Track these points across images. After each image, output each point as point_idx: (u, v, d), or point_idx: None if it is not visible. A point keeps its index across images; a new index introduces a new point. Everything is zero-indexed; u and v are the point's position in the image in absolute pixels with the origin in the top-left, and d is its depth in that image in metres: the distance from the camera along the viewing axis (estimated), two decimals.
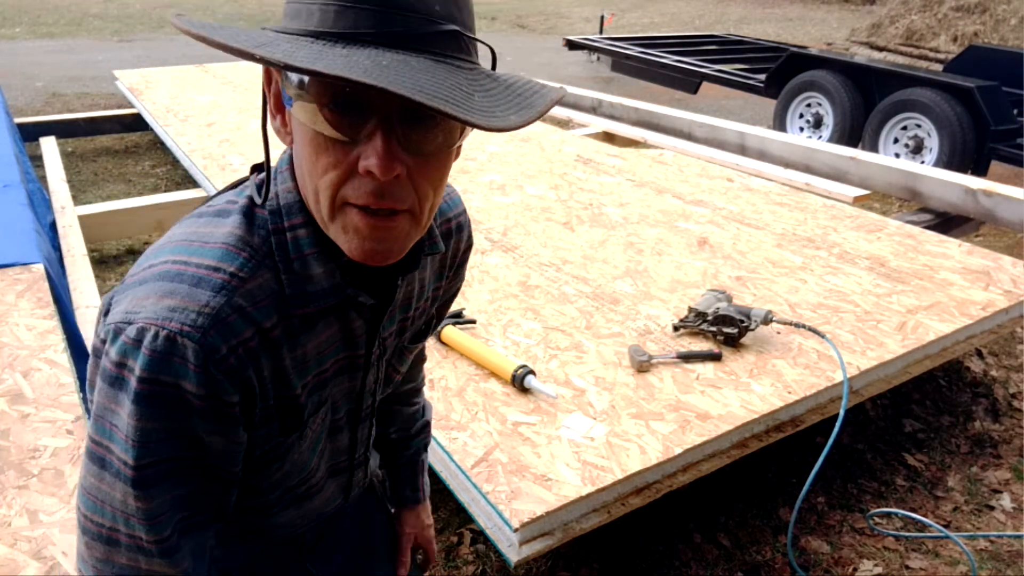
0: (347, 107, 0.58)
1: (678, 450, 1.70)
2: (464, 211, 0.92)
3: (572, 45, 8.49)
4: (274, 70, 0.64)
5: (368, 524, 1.11)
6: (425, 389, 1.19)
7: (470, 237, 0.94)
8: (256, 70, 6.81)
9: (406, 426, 1.12)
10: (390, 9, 0.56)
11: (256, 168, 0.74)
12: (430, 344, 1.90)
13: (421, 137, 0.60)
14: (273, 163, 0.72)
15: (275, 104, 0.67)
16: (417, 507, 1.16)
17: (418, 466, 1.14)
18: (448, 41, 0.58)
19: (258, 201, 0.69)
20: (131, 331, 0.63)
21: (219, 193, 0.75)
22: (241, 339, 0.66)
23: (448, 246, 0.88)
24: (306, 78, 0.58)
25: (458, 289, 1.00)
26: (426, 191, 0.64)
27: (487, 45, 0.65)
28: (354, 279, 0.73)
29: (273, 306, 0.68)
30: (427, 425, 1.15)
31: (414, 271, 0.77)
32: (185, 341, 0.62)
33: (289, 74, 0.59)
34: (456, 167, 0.80)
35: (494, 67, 0.65)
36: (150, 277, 0.65)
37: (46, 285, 1.95)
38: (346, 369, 0.79)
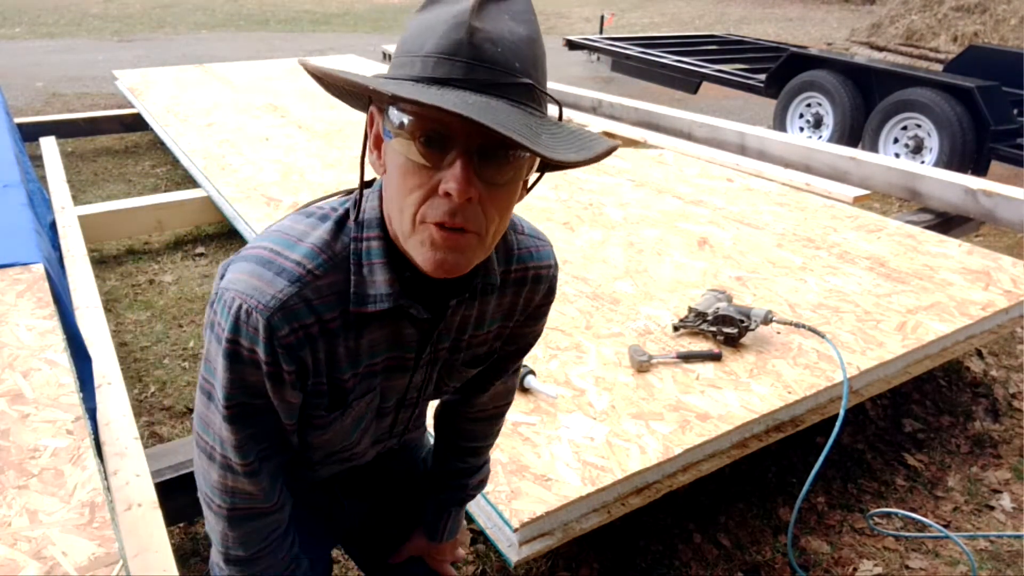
0: (435, 140, 0.70)
1: (678, 450, 1.70)
2: (550, 267, 0.99)
3: (572, 45, 8.49)
4: (376, 114, 0.78)
5: (396, 468, 1.22)
6: (491, 458, 1.24)
7: (551, 292, 1.02)
8: (256, 72, 6.80)
9: (446, 477, 1.19)
10: (478, 62, 0.68)
11: (365, 184, 0.87)
12: None
13: (494, 170, 0.71)
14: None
15: (375, 141, 0.80)
16: (430, 540, 1.22)
17: (444, 513, 1.20)
18: (523, 91, 0.70)
19: (352, 216, 0.84)
20: (227, 296, 0.80)
21: (337, 195, 0.91)
22: (302, 324, 0.80)
23: (521, 293, 0.97)
24: (406, 119, 0.70)
25: (529, 342, 1.07)
26: (492, 216, 0.74)
27: (556, 101, 0.78)
28: (412, 294, 0.83)
29: (337, 302, 0.82)
30: (466, 487, 1.19)
31: (465, 295, 0.87)
32: (257, 316, 0.79)
33: (390, 114, 0.72)
34: None
35: (560, 118, 0.77)
36: (252, 256, 0.82)
37: (46, 285, 1.94)
38: (396, 368, 0.91)
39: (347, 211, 0.84)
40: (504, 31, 0.69)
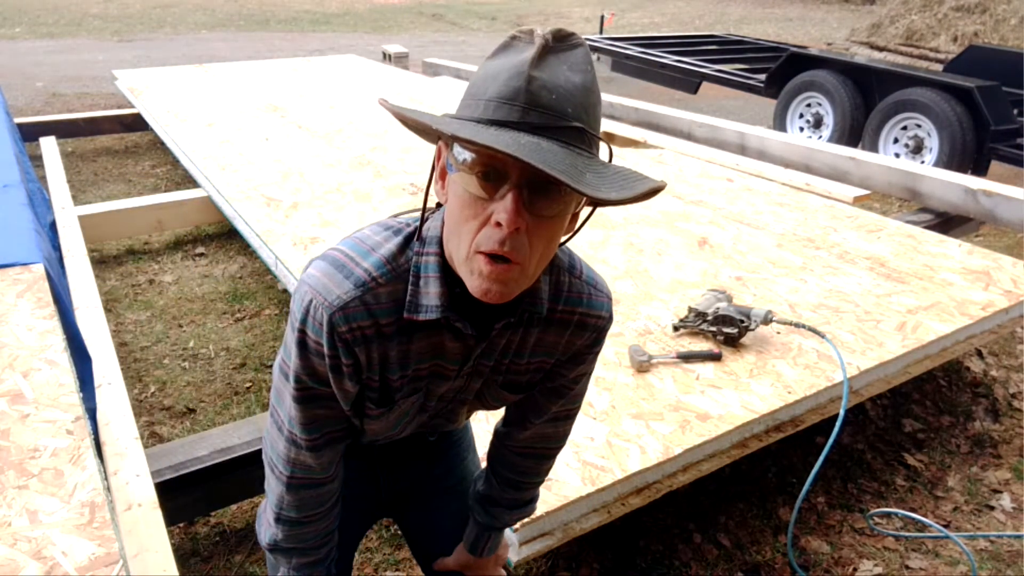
0: (492, 176, 0.77)
1: (678, 450, 1.70)
2: (600, 317, 1.02)
3: None
4: (444, 149, 0.85)
5: (438, 455, 1.30)
6: (539, 494, 1.28)
7: (597, 343, 1.05)
8: (256, 72, 6.81)
9: (488, 503, 1.23)
10: (533, 107, 0.75)
11: (438, 205, 0.95)
12: None
13: (543, 204, 0.78)
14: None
15: (441, 171, 0.87)
16: (471, 553, 1.27)
17: (483, 534, 1.25)
18: (574, 134, 0.76)
19: (416, 235, 0.93)
20: (302, 289, 0.91)
21: (416, 212, 0.98)
22: (360, 325, 0.89)
23: (564, 335, 1.01)
24: (468, 156, 0.78)
25: (568, 384, 1.09)
26: (537, 247, 0.81)
27: (608, 143, 0.84)
28: (461, 310, 0.91)
29: (394, 309, 0.91)
30: (504, 517, 1.24)
31: (510, 320, 0.93)
32: (323, 312, 0.88)
33: (455, 150, 0.80)
34: None
35: (611, 160, 0.84)
36: (330, 257, 0.92)
37: (46, 285, 1.94)
38: (439, 375, 0.99)
39: (416, 229, 0.94)
40: (560, 80, 0.76)
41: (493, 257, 0.79)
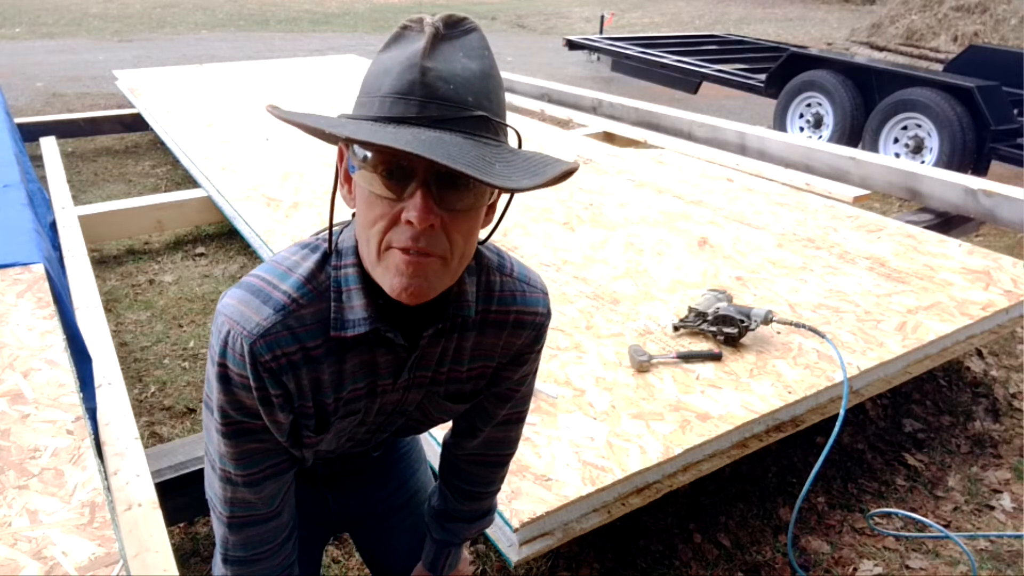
0: (396, 173, 0.73)
1: (678, 450, 1.70)
2: (537, 314, 0.98)
3: (572, 45, 8.50)
4: (345, 149, 0.80)
5: (386, 471, 1.27)
6: (497, 503, 1.25)
7: (536, 340, 1.01)
8: (256, 72, 6.80)
9: (445, 519, 1.21)
10: (430, 100, 0.71)
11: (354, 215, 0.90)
12: None
13: (454, 197, 0.74)
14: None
15: (345, 176, 0.83)
16: (427, 572, 1.25)
17: (442, 551, 1.22)
18: (478, 124, 0.73)
19: (332, 247, 0.89)
20: (219, 320, 0.86)
21: (340, 225, 0.91)
22: (285, 351, 0.84)
23: (501, 336, 0.97)
24: (368, 153, 0.74)
25: (512, 388, 1.05)
26: (456, 240, 0.77)
27: (515, 130, 0.81)
28: (390, 321, 0.86)
29: (320, 330, 0.86)
30: (464, 529, 1.21)
31: (439, 326, 0.88)
32: (242, 341, 0.83)
33: (355, 148, 0.76)
34: None
35: (520, 145, 0.81)
36: (246, 284, 0.87)
37: (46, 285, 1.94)
38: (373, 392, 0.94)
39: (333, 243, 0.89)
40: (456, 68, 0.73)
41: (408, 251, 0.76)
